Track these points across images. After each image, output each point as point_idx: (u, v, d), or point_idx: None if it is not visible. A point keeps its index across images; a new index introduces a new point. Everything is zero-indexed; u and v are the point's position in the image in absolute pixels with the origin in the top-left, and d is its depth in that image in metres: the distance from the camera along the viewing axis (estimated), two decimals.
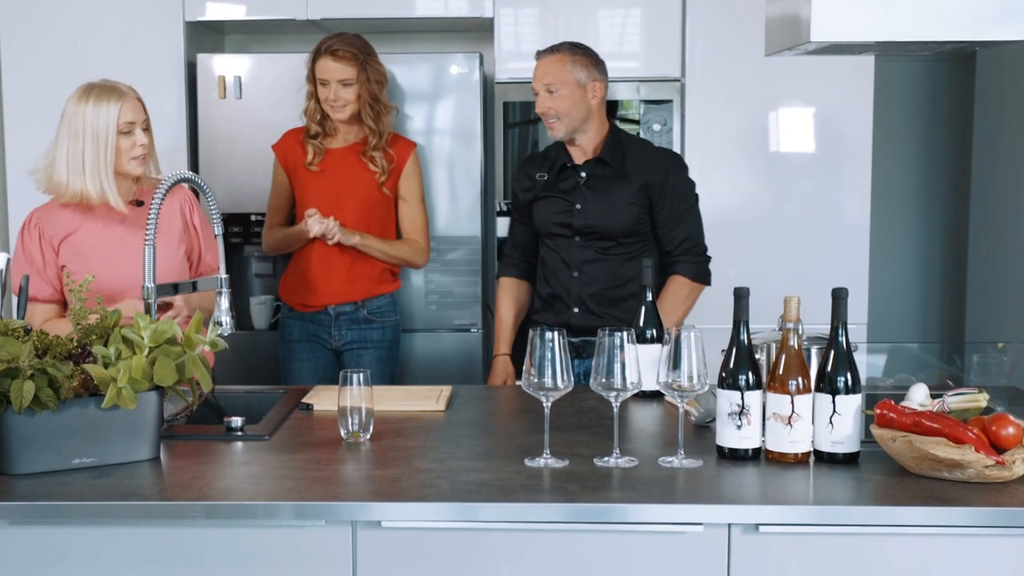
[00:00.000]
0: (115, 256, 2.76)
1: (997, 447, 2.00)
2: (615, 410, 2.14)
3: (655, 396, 2.58)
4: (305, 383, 3.45)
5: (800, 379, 2.10)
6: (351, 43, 3.41)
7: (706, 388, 2.12)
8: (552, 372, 2.10)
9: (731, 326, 2.14)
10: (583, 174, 3.15)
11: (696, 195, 3.20)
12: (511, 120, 3.97)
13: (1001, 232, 4.35)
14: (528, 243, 3.30)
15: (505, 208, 3.93)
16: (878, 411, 2.10)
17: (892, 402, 2.11)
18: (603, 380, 2.11)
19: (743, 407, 2.11)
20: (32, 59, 3.91)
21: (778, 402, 2.10)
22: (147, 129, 2.77)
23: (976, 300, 4.60)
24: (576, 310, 3.16)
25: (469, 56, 3.90)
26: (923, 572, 1.93)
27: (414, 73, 3.89)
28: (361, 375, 2.28)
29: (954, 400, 2.34)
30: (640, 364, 2.14)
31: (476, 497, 1.95)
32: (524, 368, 2.12)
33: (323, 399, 2.62)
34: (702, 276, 3.17)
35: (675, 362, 2.10)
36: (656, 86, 3.93)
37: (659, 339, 2.55)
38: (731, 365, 2.12)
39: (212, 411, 2.62)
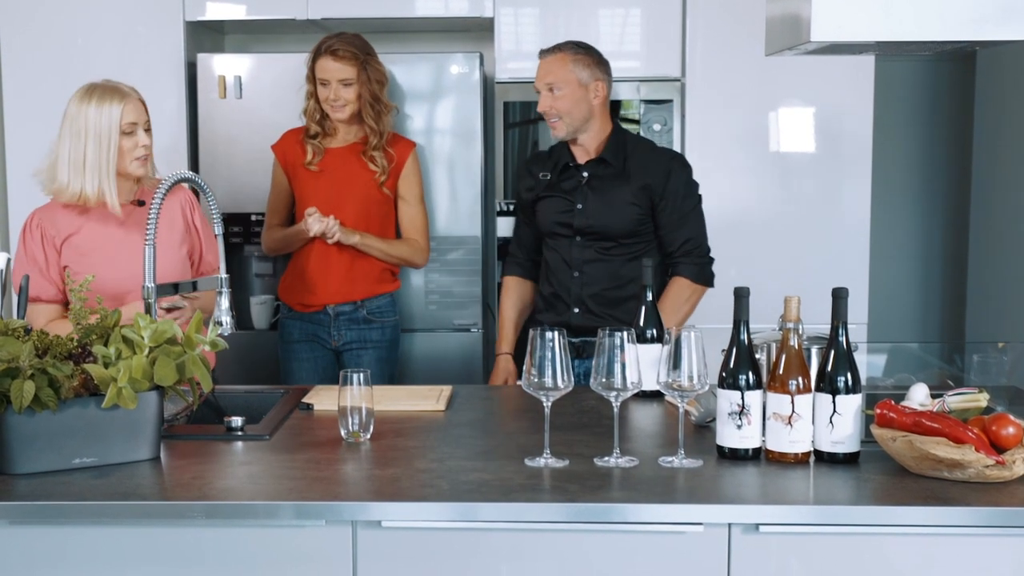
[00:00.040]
0: (117, 256, 2.75)
1: (997, 447, 2.00)
2: (615, 410, 2.14)
3: (655, 396, 2.58)
4: (305, 383, 3.44)
5: (800, 379, 2.09)
6: (351, 43, 3.41)
7: (706, 388, 2.12)
8: (552, 372, 2.10)
9: (731, 326, 2.14)
10: (585, 174, 3.15)
11: (699, 196, 3.18)
12: (511, 120, 3.97)
13: (1001, 232, 4.35)
14: (533, 243, 3.29)
15: (505, 208, 3.94)
16: (878, 411, 2.10)
17: (892, 402, 2.11)
18: (603, 380, 2.11)
19: (743, 407, 2.11)
20: (32, 59, 3.91)
21: (778, 402, 2.10)
22: (148, 130, 2.77)
23: (976, 300, 4.60)
24: (576, 310, 3.16)
25: (469, 56, 3.90)
26: (923, 572, 1.93)
27: (414, 73, 3.89)
28: (361, 375, 2.28)
29: (954, 400, 2.34)
30: (640, 364, 2.14)
31: (476, 497, 1.95)
32: (524, 368, 2.12)
33: (323, 399, 2.62)
34: (704, 278, 3.15)
35: (675, 362, 2.10)
36: (656, 86, 3.93)
37: (659, 339, 2.55)
38: (731, 365, 2.12)
39: (212, 411, 2.62)
